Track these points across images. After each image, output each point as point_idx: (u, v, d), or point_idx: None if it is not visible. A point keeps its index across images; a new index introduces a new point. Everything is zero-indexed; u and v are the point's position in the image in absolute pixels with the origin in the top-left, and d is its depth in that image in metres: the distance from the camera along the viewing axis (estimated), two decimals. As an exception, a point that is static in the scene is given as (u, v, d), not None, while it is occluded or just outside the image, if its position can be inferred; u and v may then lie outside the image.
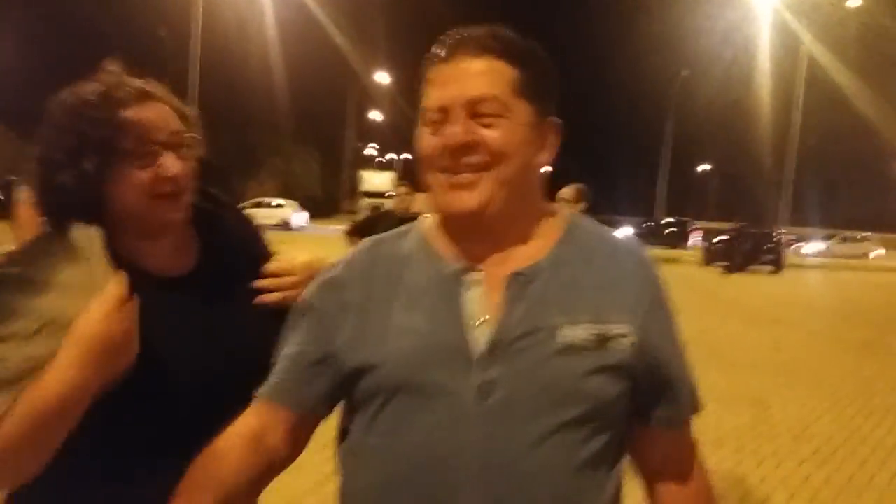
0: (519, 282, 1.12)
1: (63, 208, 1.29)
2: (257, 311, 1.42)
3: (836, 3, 34.43)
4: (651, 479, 1.23)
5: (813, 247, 38.12)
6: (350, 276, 1.24)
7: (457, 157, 1.11)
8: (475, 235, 1.17)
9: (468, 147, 1.10)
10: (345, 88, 54.21)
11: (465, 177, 1.11)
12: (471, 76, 1.11)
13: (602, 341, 1.08)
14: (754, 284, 20.69)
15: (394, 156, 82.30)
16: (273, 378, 1.23)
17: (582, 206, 5.54)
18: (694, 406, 1.22)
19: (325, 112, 55.28)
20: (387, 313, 1.15)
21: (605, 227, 1.27)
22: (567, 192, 5.50)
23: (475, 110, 1.10)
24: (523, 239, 1.18)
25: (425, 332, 1.11)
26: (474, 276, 1.15)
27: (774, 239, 26.97)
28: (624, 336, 1.09)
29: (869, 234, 40.66)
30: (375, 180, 50.48)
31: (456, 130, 1.10)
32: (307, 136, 55.47)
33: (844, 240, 39.57)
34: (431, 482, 1.07)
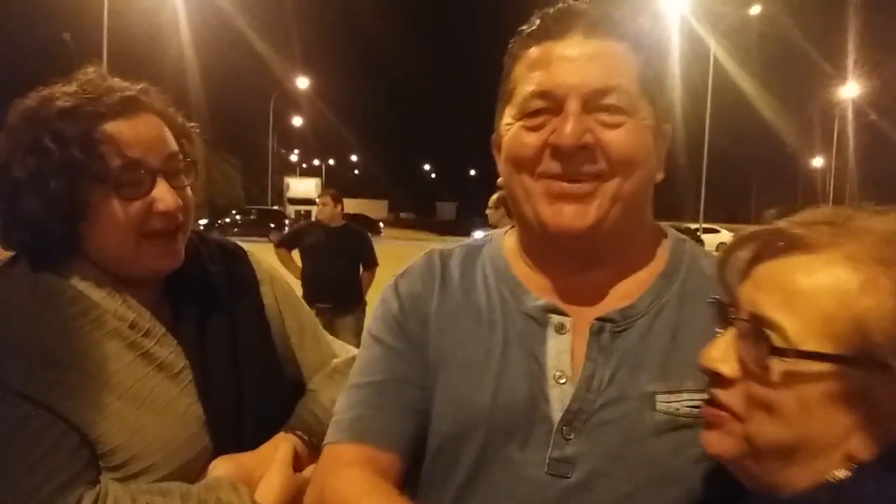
0: (606, 331, 0.90)
1: (32, 243, 1.06)
2: (247, 367, 1.20)
3: (739, 11, 36.07)
4: None
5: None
6: (428, 289, 1.01)
7: (570, 162, 0.88)
8: (570, 263, 0.95)
9: (585, 150, 0.87)
10: (265, 94, 53.29)
11: (579, 187, 0.88)
12: (593, 60, 0.87)
13: None
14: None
15: (317, 161, 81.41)
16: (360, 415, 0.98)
17: (502, 211, 4.99)
18: None
19: (244, 119, 54.23)
20: (453, 348, 0.95)
21: (711, 255, 1.01)
22: (493, 199, 5.00)
23: (596, 104, 0.88)
24: (625, 270, 0.95)
25: (503, 381, 0.91)
26: (563, 320, 0.92)
27: (695, 235, 27.90)
28: None
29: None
30: (301, 187, 49.83)
31: (571, 128, 0.86)
32: (226, 144, 54.18)
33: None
34: None
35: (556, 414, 0.87)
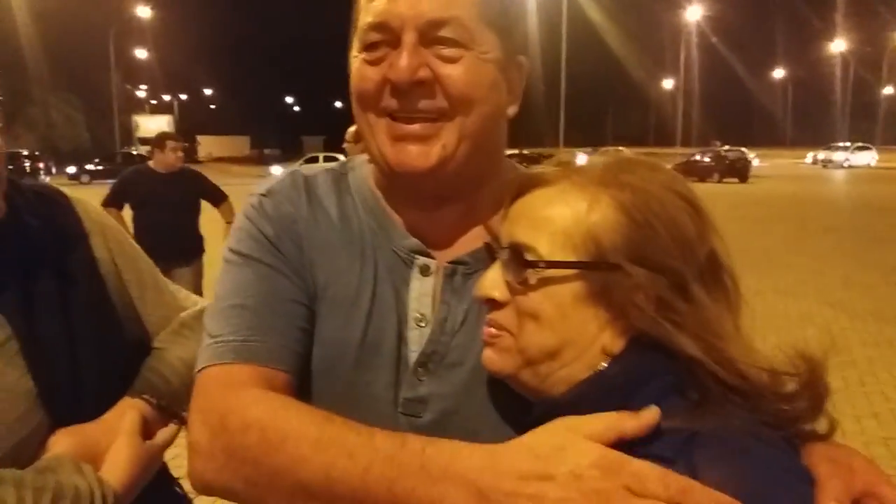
0: (458, 273, 0.90)
1: None
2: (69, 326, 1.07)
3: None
4: None
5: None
6: (299, 212, 0.96)
7: (407, 98, 0.84)
8: (424, 202, 0.92)
9: (423, 86, 0.84)
10: (103, 26, 48.95)
11: (420, 127, 0.85)
12: None
13: None
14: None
15: (168, 97, 76.68)
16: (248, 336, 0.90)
17: (362, 146, 4.79)
18: None
19: (84, 55, 49.77)
20: (327, 281, 0.92)
21: None
22: (350, 131, 4.56)
23: (433, 36, 0.83)
24: (477, 210, 0.93)
25: (369, 319, 0.90)
26: (428, 261, 0.91)
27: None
28: None
29: (622, 147, 45.17)
30: (151, 125, 46.80)
31: (406, 62, 0.82)
32: (66, 83, 49.75)
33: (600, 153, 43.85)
34: None
35: (413, 355, 0.88)
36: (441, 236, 0.92)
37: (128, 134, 45.64)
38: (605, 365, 0.77)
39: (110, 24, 45.93)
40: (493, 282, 0.82)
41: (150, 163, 5.45)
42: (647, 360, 0.76)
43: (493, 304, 0.82)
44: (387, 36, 0.84)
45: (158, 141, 5.41)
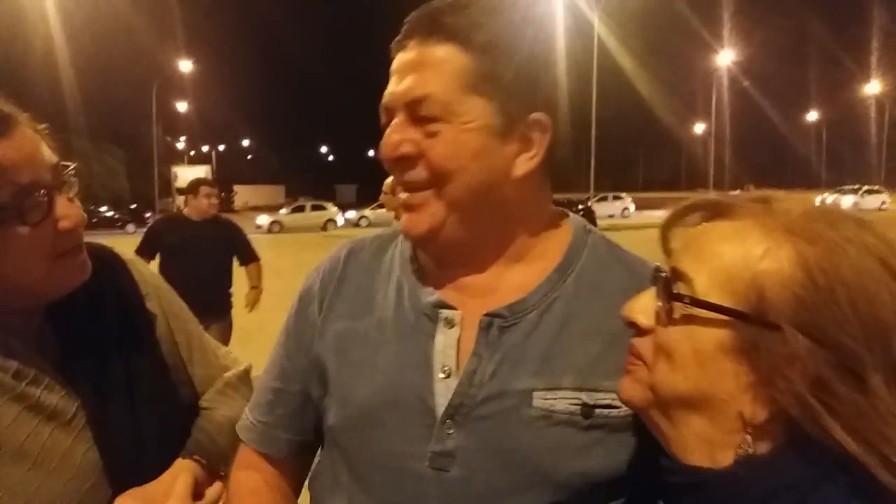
0: (494, 326, 0.90)
1: None
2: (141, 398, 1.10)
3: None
4: None
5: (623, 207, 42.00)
6: (326, 283, 1.05)
7: (397, 170, 0.92)
8: (446, 262, 0.96)
9: (407, 160, 0.89)
10: (147, 81, 50.76)
11: (411, 196, 0.91)
12: (411, 69, 0.88)
13: (588, 412, 0.85)
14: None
15: (206, 148, 78.62)
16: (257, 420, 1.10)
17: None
18: None
19: (125, 107, 51.52)
20: (356, 339, 0.97)
21: (621, 248, 1.00)
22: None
23: (417, 114, 0.88)
24: (511, 263, 0.94)
25: (390, 375, 0.92)
26: (450, 314, 0.92)
27: (586, 206, 28.99)
28: (616, 406, 0.85)
29: (623, 194, 44.74)
30: (189, 175, 47.82)
31: (387, 140, 0.89)
32: (108, 135, 51.40)
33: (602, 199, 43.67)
34: None
35: (440, 408, 0.88)
36: (477, 290, 0.93)
37: (167, 184, 46.75)
38: (752, 445, 0.69)
39: (153, 78, 47.56)
40: (643, 306, 0.78)
41: (185, 210, 5.26)
42: (805, 451, 0.66)
43: (637, 330, 0.78)
44: (389, 116, 0.91)
45: (192, 187, 5.18)
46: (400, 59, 0.90)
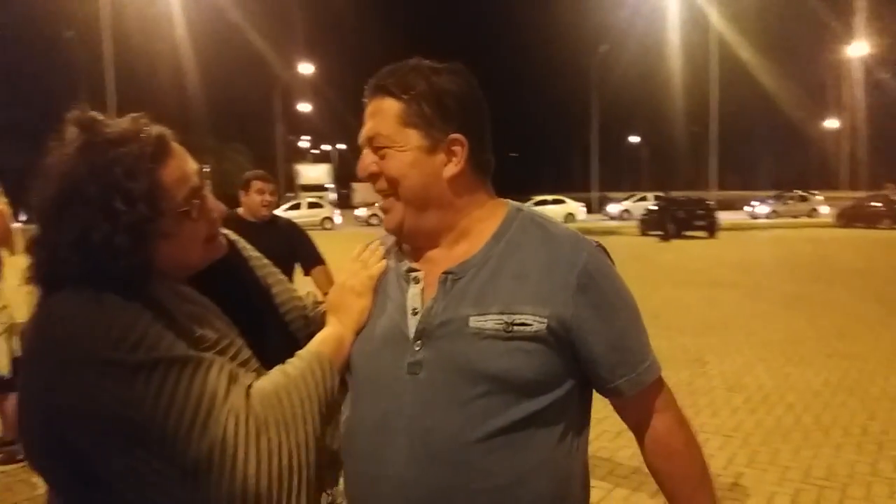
0: (448, 279, 1.29)
1: (105, 272, 1.10)
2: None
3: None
4: (637, 438, 1.36)
5: (762, 208, 40.07)
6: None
7: (372, 183, 1.33)
8: (416, 242, 1.39)
9: (373, 177, 1.32)
10: (269, 82, 53.23)
11: (384, 202, 1.34)
12: (368, 116, 1.32)
13: (509, 328, 1.21)
14: (690, 249, 21.39)
15: (328, 147, 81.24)
16: None
17: None
18: (642, 376, 1.29)
19: (251, 108, 54.28)
20: (377, 295, 1.40)
21: (545, 218, 1.36)
22: None
23: (374, 145, 1.31)
24: (459, 239, 1.34)
25: (381, 316, 1.35)
26: (417, 274, 1.34)
27: (707, 205, 27.90)
28: (529, 324, 1.20)
29: (803, 192, 42.19)
30: (311, 173, 49.80)
31: (360, 163, 1.34)
32: (236, 135, 54.31)
33: (780, 198, 41.36)
34: (377, 441, 1.27)
35: (412, 333, 1.27)
36: (437, 260, 1.34)
37: (290, 181, 48.89)
38: None
39: (277, 79, 49.87)
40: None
41: (239, 210, 4.49)
42: None
43: None
44: (362, 149, 1.34)
45: (244, 182, 4.48)
46: (366, 110, 1.33)
